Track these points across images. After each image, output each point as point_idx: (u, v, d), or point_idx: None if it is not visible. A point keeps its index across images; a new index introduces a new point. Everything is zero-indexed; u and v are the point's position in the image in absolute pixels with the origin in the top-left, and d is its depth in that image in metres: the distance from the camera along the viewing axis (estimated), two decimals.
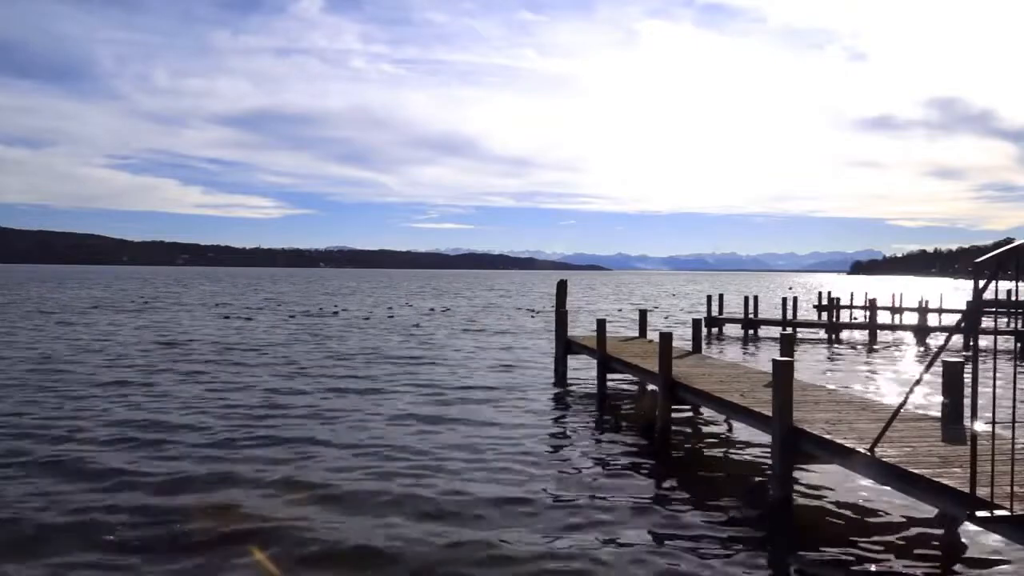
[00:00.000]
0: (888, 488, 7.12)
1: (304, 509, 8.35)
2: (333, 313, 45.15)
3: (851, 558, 7.13)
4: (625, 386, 17.27)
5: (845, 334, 32.45)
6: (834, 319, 33.14)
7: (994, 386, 5.35)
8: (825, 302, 40.33)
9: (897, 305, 37.42)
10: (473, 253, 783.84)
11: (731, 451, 11.41)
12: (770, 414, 8.62)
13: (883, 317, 36.16)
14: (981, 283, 5.50)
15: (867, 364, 23.03)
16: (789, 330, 24.31)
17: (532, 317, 43.68)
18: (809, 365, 21.52)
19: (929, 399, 13.48)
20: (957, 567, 6.98)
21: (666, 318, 42.54)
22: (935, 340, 29.45)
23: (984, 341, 25.43)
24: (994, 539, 6.96)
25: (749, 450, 11.29)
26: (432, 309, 50.33)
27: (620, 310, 50.72)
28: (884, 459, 6.91)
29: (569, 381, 18.21)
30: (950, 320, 36.10)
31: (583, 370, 18.97)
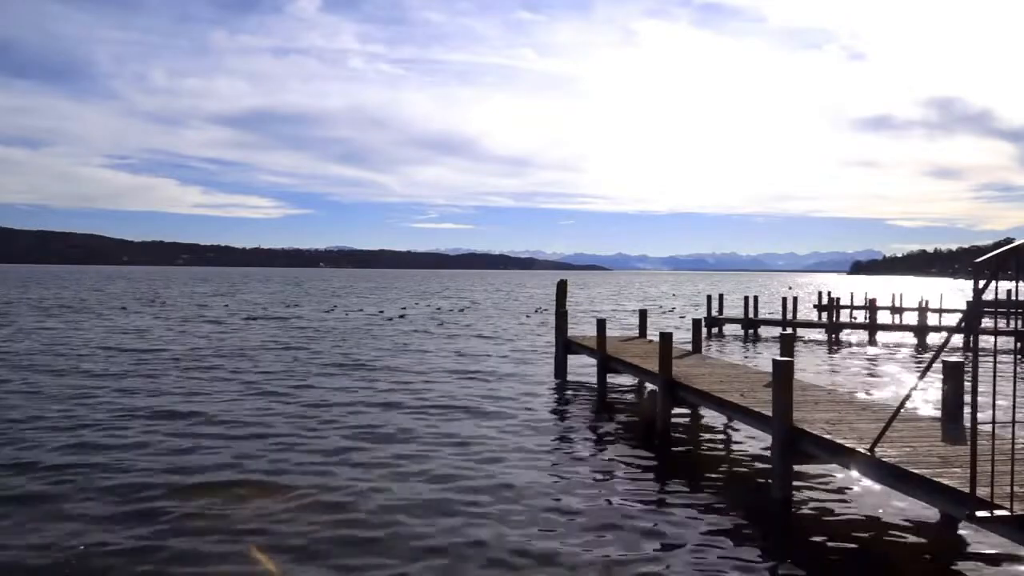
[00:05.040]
0: (888, 488, 7.11)
1: (305, 509, 8.35)
2: (358, 310, 45.38)
3: (851, 558, 7.13)
4: (625, 386, 17.27)
5: (845, 334, 32.45)
6: (834, 319, 33.12)
7: (994, 386, 5.35)
8: (825, 302, 40.32)
9: (897, 305, 37.40)
10: (473, 253, 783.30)
11: (731, 451, 11.40)
12: (770, 414, 8.63)
13: (883, 317, 36.14)
14: (981, 283, 5.49)
15: (867, 364, 23.02)
16: (789, 330, 24.32)
17: (528, 317, 43.66)
18: (809, 365, 21.51)
19: (929, 399, 13.48)
20: (957, 567, 6.98)
21: (681, 319, 42.44)
22: (935, 340, 29.44)
23: (984, 341, 25.43)
24: (994, 539, 6.95)
25: (749, 450, 11.29)
26: (450, 310, 50.26)
27: (636, 311, 50.34)
28: (884, 459, 6.92)
29: (569, 381, 18.21)
30: (950, 320, 36.07)
31: (583, 370, 18.97)
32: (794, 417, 8.47)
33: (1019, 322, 28.45)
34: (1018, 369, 21.38)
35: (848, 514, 8.34)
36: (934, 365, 6.45)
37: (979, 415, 5.33)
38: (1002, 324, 33.44)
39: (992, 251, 5.38)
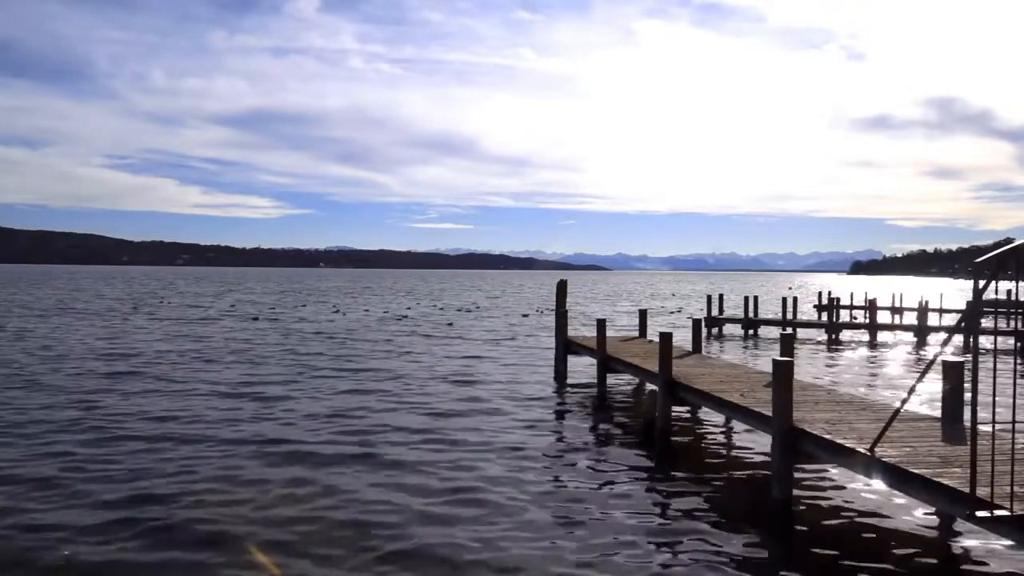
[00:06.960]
0: (888, 488, 7.11)
1: (306, 510, 8.35)
2: (364, 311, 45.32)
3: (852, 558, 7.13)
4: (625, 386, 17.27)
5: (845, 334, 32.45)
6: (834, 319, 33.12)
7: (994, 386, 5.35)
8: (825, 302, 40.32)
9: (897, 305, 37.40)
10: (473, 253, 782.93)
11: (731, 451, 11.40)
12: (770, 414, 8.62)
13: (883, 317, 36.13)
14: (981, 283, 5.49)
15: (867, 364, 23.02)
16: (789, 330, 24.30)
17: (526, 317, 43.66)
18: (809, 365, 21.52)
19: (929, 399, 13.48)
20: (957, 567, 6.98)
21: (688, 319, 42.42)
22: (935, 340, 29.45)
23: (984, 341, 25.43)
24: (994, 539, 6.96)
25: (749, 450, 11.29)
26: (457, 309, 50.34)
27: (636, 311, 50.38)
28: (884, 459, 6.91)
29: (569, 381, 18.20)
30: (950, 320, 36.09)
31: (583, 370, 18.96)
32: (794, 417, 8.46)
33: (1019, 322, 28.45)
34: (1018, 369, 21.37)
35: (848, 514, 8.34)
36: (934, 365, 6.45)
37: (979, 415, 5.33)
38: (1002, 324, 33.44)
39: (992, 251, 5.38)
